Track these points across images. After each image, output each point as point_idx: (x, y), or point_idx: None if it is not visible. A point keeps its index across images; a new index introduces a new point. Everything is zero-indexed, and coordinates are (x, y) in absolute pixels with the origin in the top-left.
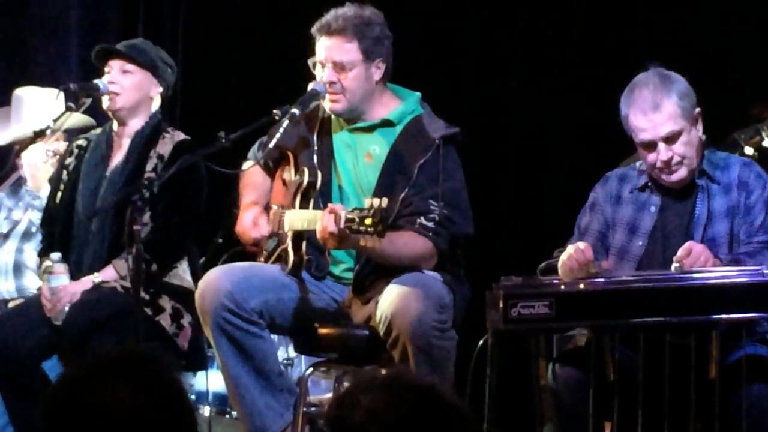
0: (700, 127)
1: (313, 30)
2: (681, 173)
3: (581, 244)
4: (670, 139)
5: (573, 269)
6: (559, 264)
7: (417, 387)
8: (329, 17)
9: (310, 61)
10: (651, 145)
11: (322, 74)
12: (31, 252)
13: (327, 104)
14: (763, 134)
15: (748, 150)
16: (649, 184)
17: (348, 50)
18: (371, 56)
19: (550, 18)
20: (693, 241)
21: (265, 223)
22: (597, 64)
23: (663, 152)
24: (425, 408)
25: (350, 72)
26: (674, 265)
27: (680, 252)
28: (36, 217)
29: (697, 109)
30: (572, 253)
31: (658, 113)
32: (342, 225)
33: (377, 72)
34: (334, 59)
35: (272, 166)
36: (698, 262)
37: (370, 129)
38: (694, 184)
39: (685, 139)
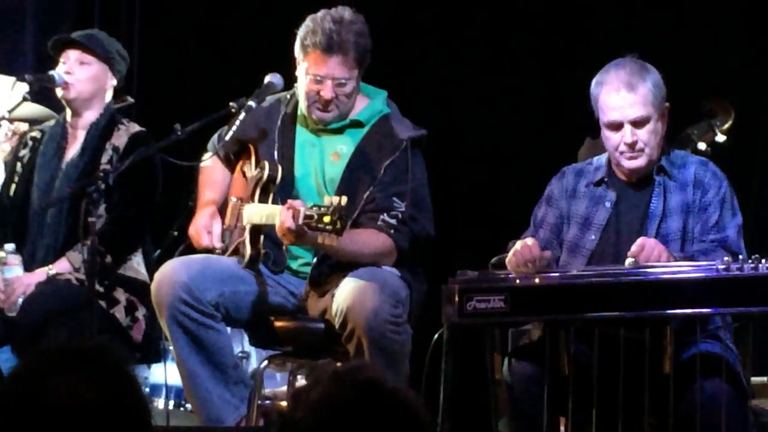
0: (665, 122)
1: (306, 40)
2: (640, 161)
3: (529, 240)
4: (638, 123)
5: (520, 265)
6: (507, 260)
7: (360, 381)
8: (327, 31)
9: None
10: (618, 126)
11: (321, 89)
12: None
13: (315, 113)
14: (716, 130)
15: (701, 145)
16: (606, 179)
17: (350, 69)
18: (362, 67)
19: (505, 15)
20: (645, 237)
21: (218, 234)
22: (551, 61)
23: (628, 134)
24: (364, 402)
25: (347, 86)
26: (629, 260)
27: (634, 247)
28: None
29: (667, 104)
30: (519, 249)
31: (632, 93)
32: (300, 221)
33: (360, 78)
34: (336, 76)
35: (233, 158)
36: (652, 257)
37: (340, 130)
38: (651, 180)
39: (651, 128)
